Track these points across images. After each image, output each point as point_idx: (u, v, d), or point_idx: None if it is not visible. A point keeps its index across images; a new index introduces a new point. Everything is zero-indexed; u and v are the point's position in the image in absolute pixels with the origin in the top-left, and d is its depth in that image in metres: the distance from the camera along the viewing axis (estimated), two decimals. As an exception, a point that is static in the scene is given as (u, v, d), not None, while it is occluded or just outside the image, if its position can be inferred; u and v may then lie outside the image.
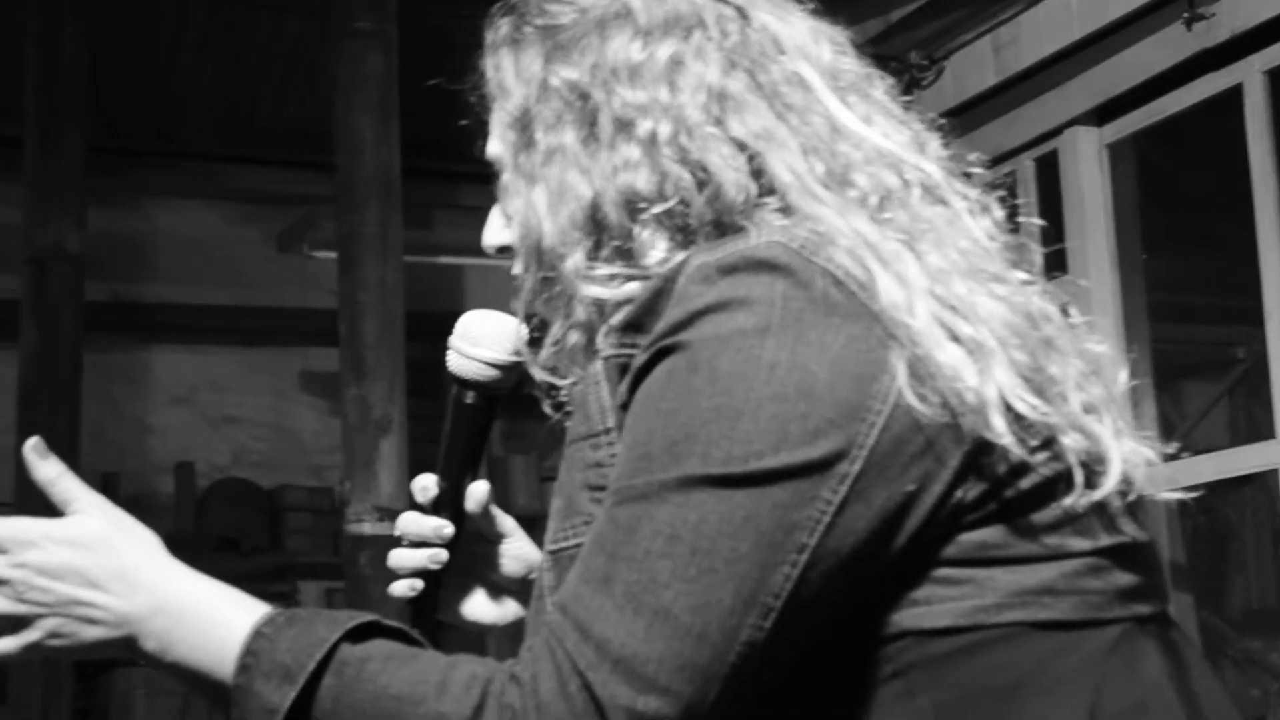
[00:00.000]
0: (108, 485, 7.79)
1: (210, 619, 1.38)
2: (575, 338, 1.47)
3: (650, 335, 1.32)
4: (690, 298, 1.30)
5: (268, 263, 8.18)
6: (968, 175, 1.48)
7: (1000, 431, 1.29)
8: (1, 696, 6.38)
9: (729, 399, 1.25)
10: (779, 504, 1.24)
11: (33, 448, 1.45)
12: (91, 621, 1.40)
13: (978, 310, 1.33)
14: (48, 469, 1.46)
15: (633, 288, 1.41)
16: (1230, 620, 7.21)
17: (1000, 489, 1.31)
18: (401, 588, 1.68)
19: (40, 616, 1.41)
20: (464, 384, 1.65)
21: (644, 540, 1.25)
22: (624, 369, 1.34)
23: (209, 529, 7.91)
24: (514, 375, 1.64)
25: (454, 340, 1.65)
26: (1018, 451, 1.30)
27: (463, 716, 1.26)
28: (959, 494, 1.29)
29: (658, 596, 1.23)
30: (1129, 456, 1.38)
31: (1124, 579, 1.36)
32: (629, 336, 1.35)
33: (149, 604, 1.39)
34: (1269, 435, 4.93)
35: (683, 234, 1.41)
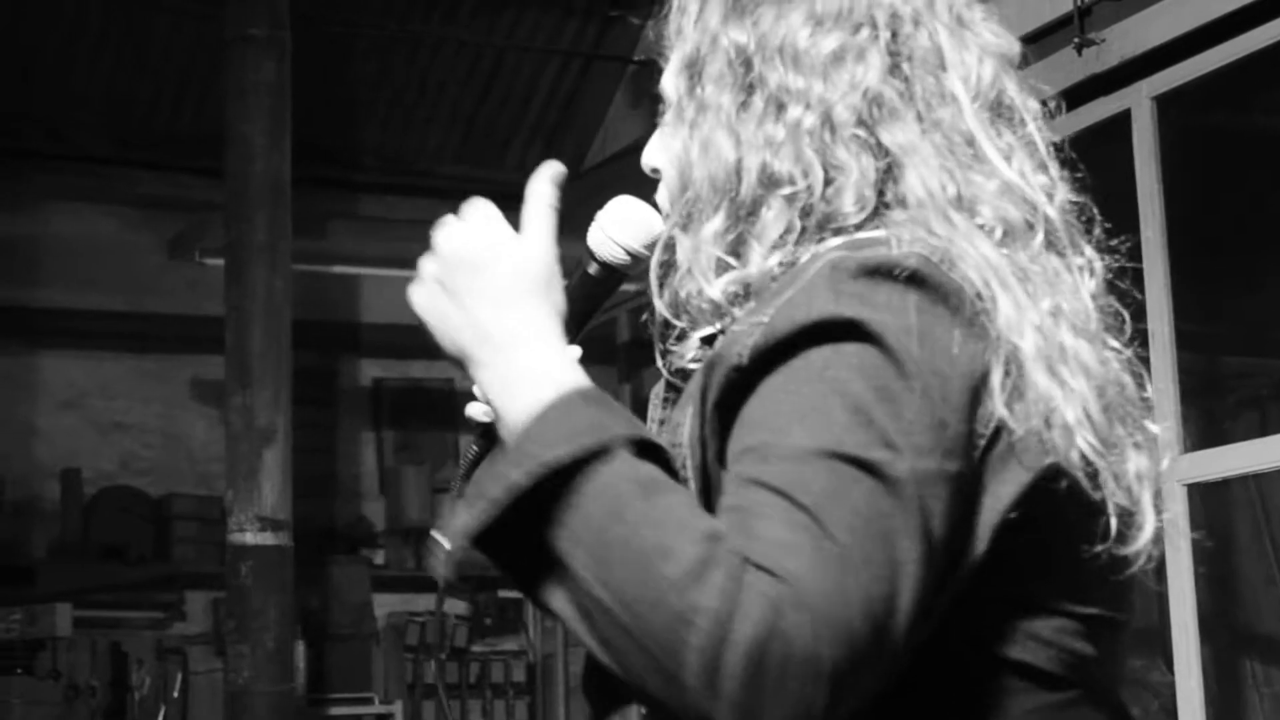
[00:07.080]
0: (-8, 490, 7.70)
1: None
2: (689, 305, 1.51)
3: (779, 312, 1.33)
4: (835, 287, 1.32)
5: (160, 269, 8.09)
6: (1088, 231, 1.53)
7: (1076, 452, 1.35)
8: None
9: (934, 380, 1.29)
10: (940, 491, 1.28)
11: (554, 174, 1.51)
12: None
13: (1079, 358, 1.39)
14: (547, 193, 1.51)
15: (729, 281, 1.45)
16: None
17: (1041, 531, 1.36)
18: (478, 410, 1.74)
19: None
20: (593, 257, 1.74)
21: (855, 503, 1.24)
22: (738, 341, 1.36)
23: (95, 537, 7.81)
24: (638, 267, 1.72)
25: (600, 215, 1.73)
26: (1081, 483, 1.36)
27: None
28: (1014, 514, 1.34)
29: (895, 548, 1.24)
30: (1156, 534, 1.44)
31: (1098, 649, 1.43)
32: (756, 316, 1.36)
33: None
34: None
35: (800, 227, 1.44)
